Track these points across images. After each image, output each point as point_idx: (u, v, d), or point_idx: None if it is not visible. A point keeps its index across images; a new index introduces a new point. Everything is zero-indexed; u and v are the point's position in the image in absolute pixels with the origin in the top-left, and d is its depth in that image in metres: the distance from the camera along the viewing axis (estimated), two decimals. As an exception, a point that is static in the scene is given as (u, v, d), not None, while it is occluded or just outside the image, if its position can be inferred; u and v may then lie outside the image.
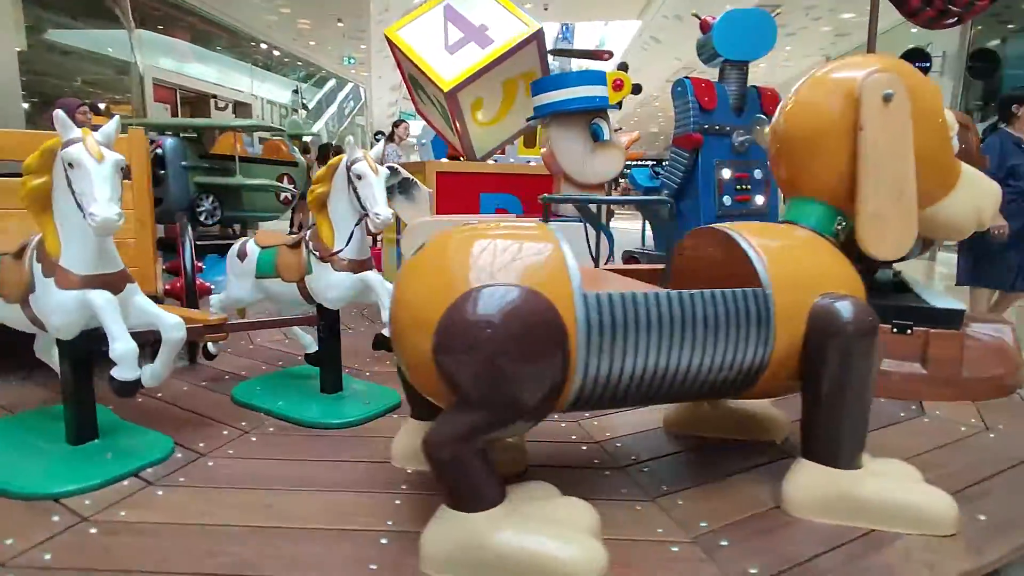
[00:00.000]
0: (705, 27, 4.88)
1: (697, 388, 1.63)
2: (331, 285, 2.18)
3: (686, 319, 1.51)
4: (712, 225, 1.87)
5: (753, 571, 1.39)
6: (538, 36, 3.61)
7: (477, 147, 3.94)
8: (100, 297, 1.63)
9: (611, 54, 6.31)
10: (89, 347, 1.83)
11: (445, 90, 3.47)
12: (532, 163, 4.71)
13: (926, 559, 1.45)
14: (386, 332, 2.13)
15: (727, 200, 4.85)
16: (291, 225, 10.07)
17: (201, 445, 1.99)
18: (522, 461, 1.86)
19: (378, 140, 6.04)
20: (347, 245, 2.17)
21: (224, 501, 1.65)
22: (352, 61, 20.48)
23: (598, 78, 2.93)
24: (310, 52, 19.24)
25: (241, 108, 16.07)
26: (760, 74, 16.54)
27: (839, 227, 1.79)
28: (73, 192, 1.59)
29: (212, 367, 2.78)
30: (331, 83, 22.37)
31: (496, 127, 3.94)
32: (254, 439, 2.06)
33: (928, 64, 6.20)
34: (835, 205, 1.79)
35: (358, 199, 2.12)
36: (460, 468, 1.34)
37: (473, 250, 1.44)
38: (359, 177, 2.09)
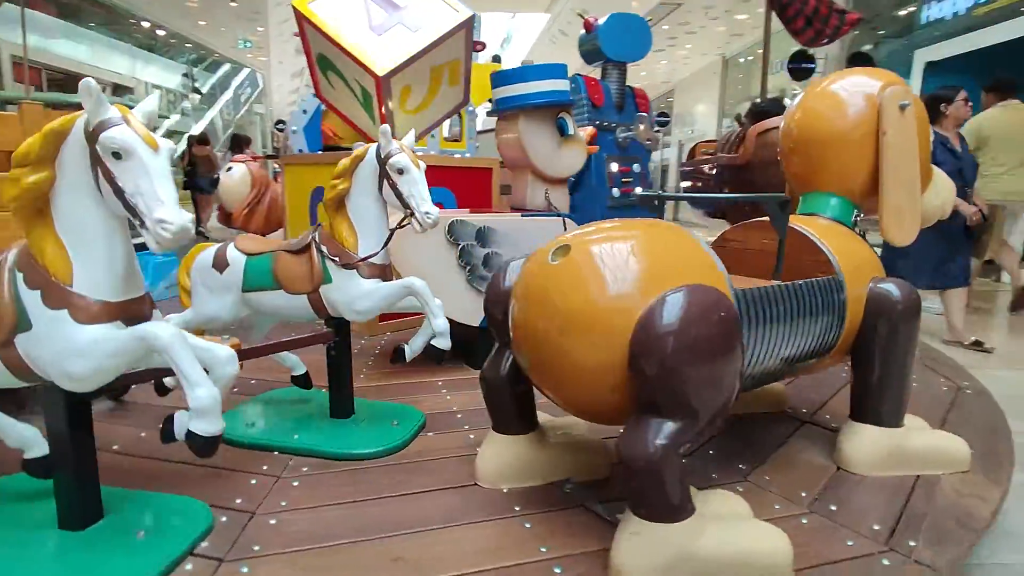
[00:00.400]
0: (589, 27, 5.13)
1: (789, 371, 1.77)
2: (363, 295, 1.90)
3: (800, 309, 1.63)
4: (762, 219, 2.02)
5: (877, 527, 1.57)
6: (468, 24, 3.48)
7: (414, 132, 3.69)
8: (166, 331, 1.23)
9: (484, 45, 6.29)
10: (92, 396, 1.38)
11: (381, 75, 3.19)
12: (457, 156, 4.52)
13: (973, 492, 1.77)
14: (439, 343, 1.93)
15: (615, 192, 5.17)
16: (197, 223, 8.46)
17: (239, 502, 1.62)
18: (606, 466, 1.83)
19: (280, 130, 5.38)
20: (383, 248, 1.91)
21: (335, 563, 1.38)
22: (248, 45, 18.39)
23: (561, 72, 2.94)
24: (200, 33, 16.90)
25: (122, 92, 13.35)
26: (662, 70, 17.73)
27: (858, 218, 2.05)
28: (120, 191, 1.17)
29: (157, 405, 2.24)
30: (225, 68, 20.44)
31: (419, 116, 3.72)
32: (296, 484, 1.73)
33: (813, 65, 7.07)
34: (851, 198, 2.05)
35: (399, 197, 1.87)
36: (668, 477, 1.29)
37: (640, 251, 1.39)
38: (401, 172, 1.85)
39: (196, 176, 8.68)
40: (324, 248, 1.94)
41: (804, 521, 1.60)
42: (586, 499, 1.67)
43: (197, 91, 18.44)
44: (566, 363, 1.40)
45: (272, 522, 1.53)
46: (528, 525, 1.55)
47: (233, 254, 2.01)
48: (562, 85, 2.90)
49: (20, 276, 1.25)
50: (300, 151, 5.20)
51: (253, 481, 1.74)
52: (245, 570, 1.34)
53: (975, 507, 1.69)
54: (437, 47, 3.39)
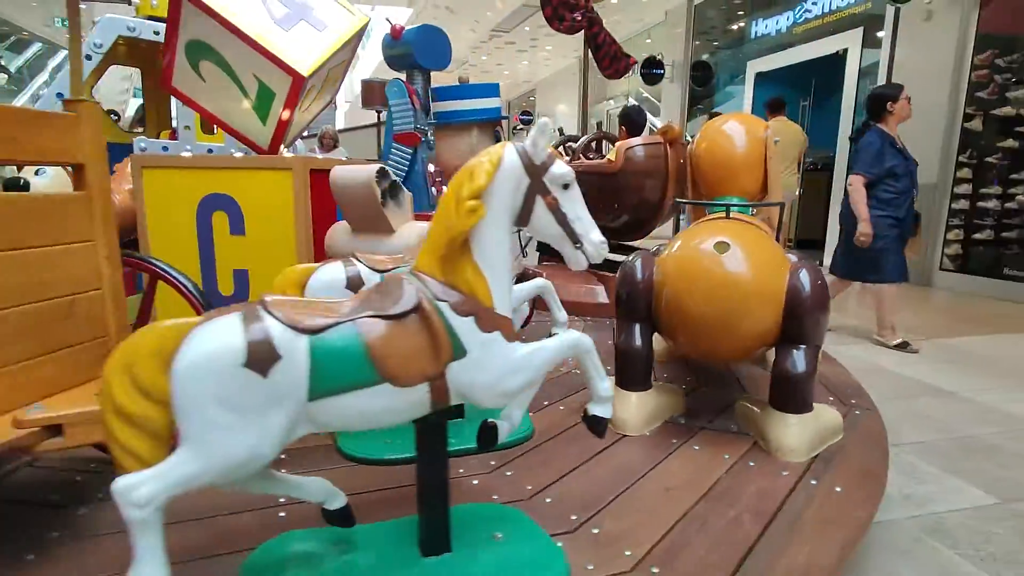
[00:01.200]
0: (396, 35, 5.31)
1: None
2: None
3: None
4: (715, 215, 2.87)
5: (831, 398, 2.60)
6: (364, 28, 3.48)
7: (289, 136, 3.45)
8: (583, 336, 1.38)
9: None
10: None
11: (307, 74, 3.00)
12: (213, 151, 3.98)
13: (841, 372, 2.98)
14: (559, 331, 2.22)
15: (434, 191, 5.61)
16: None
17: (495, 498, 1.75)
18: (685, 403, 2.47)
19: (115, 120, 3.90)
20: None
21: (641, 499, 1.72)
22: (66, 23, 10.94)
23: (497, 91, 3.30)
24: (2, 7, 15.32)
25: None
26: (523, 70, 16.87)
27: (754, 212, 3.10)
28: (565, 218, 1.30)
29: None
30: (35, 47, 18.85)
31: (305, 115, 3.53)
32: (509, 473, 1.90)
33: (662, 71, 7.40)
34: (748, 199, 3.08)
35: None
36: (810, 384, 2.04)
37: (765, 243, 2.10)
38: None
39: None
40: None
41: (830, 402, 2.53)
42: (700, 423, 2.29)
43: (4, 70, 17.04)
44: (726, 323, 2.01)
45: (548, 500, 1.74)
46: (696, 448, 2.10)
47: (366, 272, 1.93)
48: (499, 102, 3.27)
49: (445, 306, 1.25)
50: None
51: (475, 482, 1.84)
52: (595, 531, 1.58)
53: (853, 380, 2.89)
54: (343, 50, 3.32)
